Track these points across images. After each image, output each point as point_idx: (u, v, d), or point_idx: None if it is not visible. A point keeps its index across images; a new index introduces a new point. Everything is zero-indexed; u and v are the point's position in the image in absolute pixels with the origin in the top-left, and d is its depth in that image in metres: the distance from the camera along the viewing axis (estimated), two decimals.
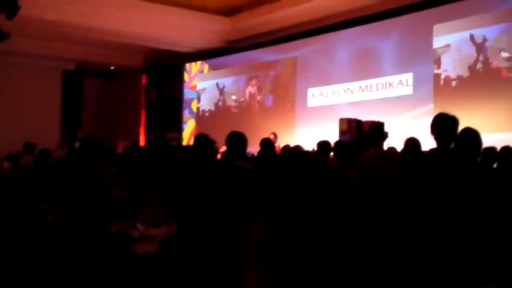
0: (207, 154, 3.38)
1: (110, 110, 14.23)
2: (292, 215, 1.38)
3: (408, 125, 7.60)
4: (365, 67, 8.62)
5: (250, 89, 10.84)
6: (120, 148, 10.95)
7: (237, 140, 3.06)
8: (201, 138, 3.49)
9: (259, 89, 10.69)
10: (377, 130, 4.06)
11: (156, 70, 13.26)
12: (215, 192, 2.14)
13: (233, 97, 11.21)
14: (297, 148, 4.57)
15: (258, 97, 10.70)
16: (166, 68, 12.86)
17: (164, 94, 13.08)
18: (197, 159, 3.31)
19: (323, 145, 5.24)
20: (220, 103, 11.49)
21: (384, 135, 4.10)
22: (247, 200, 2.01)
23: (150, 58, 13.01)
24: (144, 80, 13.85)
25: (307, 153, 1.50)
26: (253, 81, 10.81)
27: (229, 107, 11.30)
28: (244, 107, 10.96)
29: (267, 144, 4.60)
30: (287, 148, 5.69)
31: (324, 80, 9.28)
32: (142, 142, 13.19)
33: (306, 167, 1.43)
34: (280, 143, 8.09)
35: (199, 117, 12.02)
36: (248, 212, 1.91)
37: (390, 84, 8.32)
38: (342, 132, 5.82)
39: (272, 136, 8.11)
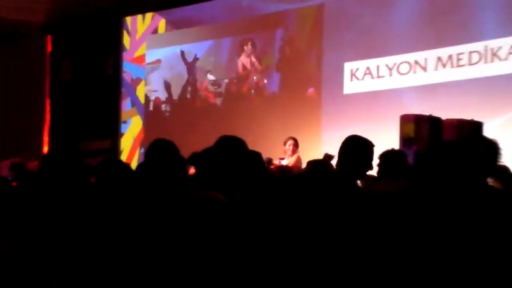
0: (171, 180, 3.44)
1: None
2: None
3: None
4: (446, 24, 8.65)
5: (242, 61, 10.88)
6: (3, 169, 10.85)
7: (229, 149, 3.25)
8: (161, 149, 3.74)
9: (256, 63, 10.73)
10: (472, 137, 4.05)
11: (71, 29, 13.33)
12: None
13: (211, 77, 11.29)
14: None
15: (255, 77, 10.77)
16: (88, 25, 12.92)
17: (86, 71, 13.20)
18: (150, 187, 3.43)
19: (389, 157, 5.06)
20: (189, 88, 11.59)
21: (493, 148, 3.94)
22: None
23: (59, 7, 12.94)
24: (49, 47, 13.90)
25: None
26: (246, 49, 10.84)
27: (204, 95, 11.37)
28: (231, 95, 11.03)
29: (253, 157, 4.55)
30: (317, 167, 5.57)
31: (373, 47, 9.33)
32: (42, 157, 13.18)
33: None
34: (301, 156, 8.14)
35: (150, 112, 12.11)
36: None
37: (494, 54, 8.31)
38: (405, 139, 5.79)
39: (291, 145, 8.29)
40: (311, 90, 10.07)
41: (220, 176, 3.16)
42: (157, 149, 3.88)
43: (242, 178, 3.10)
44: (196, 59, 11.47)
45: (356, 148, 3.69)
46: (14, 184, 6.83)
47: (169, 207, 2.93)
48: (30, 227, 3.85)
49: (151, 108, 12.16)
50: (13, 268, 3.55)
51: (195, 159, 3.48)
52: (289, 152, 8.29)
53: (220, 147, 3.23)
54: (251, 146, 4.90)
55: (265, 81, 10.65)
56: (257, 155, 4.33)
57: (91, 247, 3.27)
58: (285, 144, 8.40)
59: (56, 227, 3.65)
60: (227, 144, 3.23)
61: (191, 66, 11.54)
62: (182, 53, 11.65)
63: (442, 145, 5.52)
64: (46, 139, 13.75)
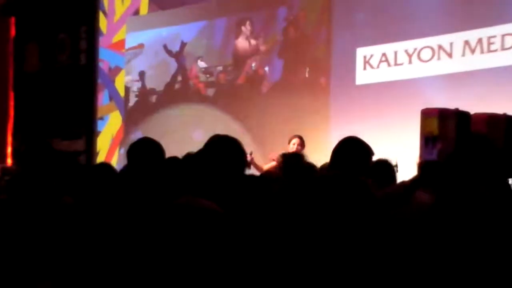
0: (158, 187, 3.62)
1: None
2: None
3: None
4: (475, 2, 8.72)
5: (239, 45, 10.96)
6: None
7: (220, 152, 3.24)
8: (145, 149, 3.82)
9: (255, 47, 10.76)
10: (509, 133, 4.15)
11: (37, 10, 13.32)
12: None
13: (202, 64, 11.35)
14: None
15: (253, 64, 10.82)
16: (57, 5, 12.93)
17: (56, 59, 13.17)
18: (135, 197, 3.62)
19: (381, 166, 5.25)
20: (177, 77, 11.65)
21: None
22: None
23: None
24: (12, 30, 13.90)
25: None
26: (244, 30, 10.91)
27: (194, 85, 11.42)
28: (226, 85, 11.09)
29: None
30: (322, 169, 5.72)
31: (390, 30, 9.37)
32: (8, 158, 13.25)
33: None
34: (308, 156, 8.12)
35: (132, 106, 12.15)
36: None
37: None
38: (427, 137, 5.84)
39: (295, 144, 8.39)
40: (318, 80, 10.10)
41: (210, 182, 3.23)
42: (140, 151, 3.91)
43: (235, 183, 3.19)
44: (183, 44, 11.50)
45: (352, 151, 3.79)
46: None
47: (157, 218, 3.03)
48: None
49: (132, 102, 12.17)
50: None
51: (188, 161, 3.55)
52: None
53: (211, 149, 3.30)
54: (250, 144, 4.99)
55: (266, 68, 10.68)
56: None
57: (72, 259, 3.42)
58: (289, 142, 8.46)
59: (30, 240, 3.78)
60: (218, 146, 3.29)
61: (179, 52, 11.58)
62: (165, 46, 11.68)
63: (472, 143, 5.64)
64: (9, 139, 13.74)
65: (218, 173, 3.23)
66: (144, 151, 3.88)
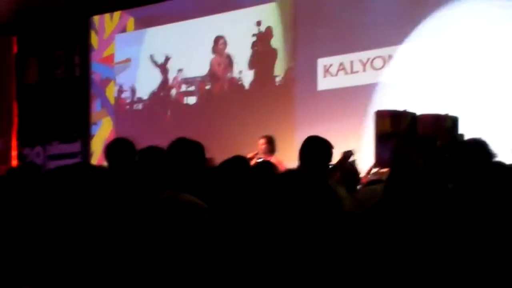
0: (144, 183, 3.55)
1: None
2: None
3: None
4: (421, 18, 8.72)
5: (215, 59, 10.90)
6: None
7: (187, 152, 3.05)
8: (120, 148, 3.88)
9: (228, 61, 10.75)
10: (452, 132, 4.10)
11: (38, 29, 13.25)
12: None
13: (183, 76, 11.31)
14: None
15: (228, 75, 10.78)
16: (55, 25, 12.87)
17: (54, 72, 13.12)
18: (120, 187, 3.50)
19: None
20: (161, 87, 11.59)
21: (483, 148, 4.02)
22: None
23: (26, 5, 12.92)
24: (15, 47, 13.82)
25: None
26: (219, 46, 10.88)
27: (176, 94, 11.40)
28: (204, 93, 11.06)
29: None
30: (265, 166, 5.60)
31: (347, 42, 9.35)
32: (14, 161, 13.13)
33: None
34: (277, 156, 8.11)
35: (121, 113, 12.10)
36: None
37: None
38: (381, 135, 5.80)
39: (262, 144, 8.29)
40: (284, 88, 10.07)
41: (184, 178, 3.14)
42: (116, 149, 3.92)
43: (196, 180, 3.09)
44: (167, 58, 11.43)
45: (316, 148, 3.89)
46: None
47: (144, 211, 2.92)
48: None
49: (121, 109, 12.12)
50: None
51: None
52: (262, 152, 8.23)
53: (174, 151, 3.21)
54: (225, 145, 4.90)
55: (238, 78, 10.63)
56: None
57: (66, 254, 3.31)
58: (260, 141, 8.39)
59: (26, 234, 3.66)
60: (182, 149, 3.21)
61: (162, 66, 11.51)
62: (152, 56, 11.63)
63: (420, 141, 5.63)
64: (14, 143, 13.64)
65: (184, 171, 3.13)
66: (119, 150, 3.93)
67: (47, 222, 3.50)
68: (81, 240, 3.40)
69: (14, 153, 13.48)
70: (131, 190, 3.57)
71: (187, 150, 3.15)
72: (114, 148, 3.90)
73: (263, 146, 8.32)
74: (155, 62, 11.54)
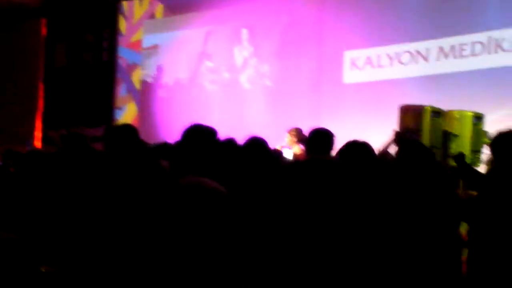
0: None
1: None
2: None
3: None
4: (449, 13, 8.69)
5: (240, 49, 10.93)
6: None
7: (198, 138, 3.16)
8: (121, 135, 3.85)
9: (253, 51, 10.76)
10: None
11: (66, 13, 13.34)
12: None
13: (208, 64, 11.29)
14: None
15: (253, 65, 10.78)
16: (83, 9, 12.94)
17: (81, 56, 13.20)
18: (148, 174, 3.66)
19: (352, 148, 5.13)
20: (186, 75, 11.61)
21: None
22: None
23: None
24: (43, 30, 13.86)
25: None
26: (244, 36, 10.88)
27: (201, 82, 11.41)
28: (228, 83, 11.06)
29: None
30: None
31: (374, 36, 9.34)
32: (37, 143, 13.16)
33: None
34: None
35: (146, 98, 12.10)
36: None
37: (497, 44, 8.34)
38: (405, 130, 5.80)
39: (288, 136, 8.20)
40: (309, 81, 10.03)
41: (195, 168, 3.13)
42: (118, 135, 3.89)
43: (219, 168, 3.11)
44: (194, 46, 11.45)
45: (320, 139, 4.19)
46: (11, 170, 6.93)
47: (167, 196, 2.92)
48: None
49: (146, 95, 12.16)
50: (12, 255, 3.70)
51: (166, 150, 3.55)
52: (288, 144, 8.22)
53: (188, 138, 3.21)
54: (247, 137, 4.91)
55: (263, 69, 10.61)
56: (231, 142, 4.41)
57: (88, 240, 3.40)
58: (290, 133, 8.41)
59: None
60: (195, 135, 3.20)
61: (189, 53, 11.52)
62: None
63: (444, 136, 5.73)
64: (39, 125, 13.74)
65: (196, 160, 3.13)
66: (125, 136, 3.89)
67: (72, 202, 3.57)
68: (104, 225, 3.44)
69: (38, 134, 13.58)
70: (151, 175, 3.61)
71: (200, 135, 3.16)
72: (117, 134, 3.88)
73: (289, 138, 8.33)
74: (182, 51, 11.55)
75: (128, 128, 3.95)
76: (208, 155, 3.06)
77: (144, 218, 3.01)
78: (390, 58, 9.22)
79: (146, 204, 3.09)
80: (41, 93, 13.88)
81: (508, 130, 4.19)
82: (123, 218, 3.36)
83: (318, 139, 4.17)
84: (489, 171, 4.36)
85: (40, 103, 13.87)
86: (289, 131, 8.48)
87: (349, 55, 9.62)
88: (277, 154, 5.17)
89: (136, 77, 12.30)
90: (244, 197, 3.55)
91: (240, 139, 4.58)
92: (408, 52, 9.04)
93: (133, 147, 3.75)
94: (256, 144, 4.50)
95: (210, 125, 3.27)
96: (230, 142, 4.39)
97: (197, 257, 2.68)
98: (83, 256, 3.41)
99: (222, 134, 3.37)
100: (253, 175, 4.00)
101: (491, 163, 4.26)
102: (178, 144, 3.19)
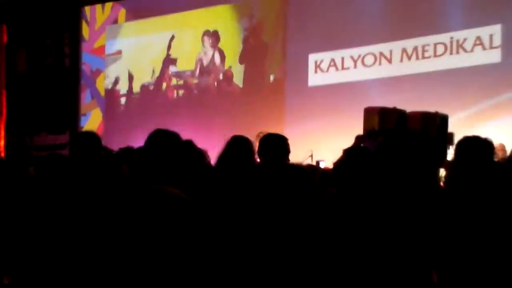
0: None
1: None
2: None
3: (491, 121, 7.75)
4: (411, 15, 8.75)
5: (206, 54, 10.93)
6: None
7: (164, 143, 3.09)
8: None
9: (220, 55, 10.76)
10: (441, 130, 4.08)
11: (26, 18, 13.21)
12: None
13: (173, 69, 11.30)
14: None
15: (218, 69, 10.83)
16: (45, 15, 12.85)
17: (43, 62, 13.12)
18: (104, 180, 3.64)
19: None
20: (151, 80, 11.60)
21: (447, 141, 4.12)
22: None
23: None
24: (4, 37, 13.65)
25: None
26: (210, 40, 10.89)
27: (166, 88, 11.40)
28: (193, 88, 11.07)
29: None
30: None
31: (339, 38, 9.36)
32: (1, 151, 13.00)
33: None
34: None
35: (110, 105, 12.09)
36: None
37: (459, 45, 8.41)
38: (370, 132, 5.79)
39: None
40: (275, 84, 10.08)
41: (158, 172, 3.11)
42: (82, 142, 3.88)
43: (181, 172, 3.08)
44: (157, 51, 11.47)
45: (273, 143, 4.17)
46: None
47: (129, 201, 2.89)
48: None
49: (111, 101, 12.10)
50: None
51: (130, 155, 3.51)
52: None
53: (152, 142, 3.18)
54: (214, 140, 4.87)
55: (229, 73, 10.63)
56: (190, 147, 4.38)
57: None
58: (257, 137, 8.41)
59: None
60: (158, 141, 3.18)
61: (153, 58, 11.52)
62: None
63: (409, 137, 5.66)
64: (2, 133, 13.56)
65: (167, 165, 3.10)
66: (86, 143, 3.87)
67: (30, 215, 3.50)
68: (65, 233, 3.39)
69: (1, 142, 13.37)
70: (112, 183, 3.57)
71: (164, 141, 3.12)
72: (81, 140, 3.87)
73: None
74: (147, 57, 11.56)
75: (90, 135, 3.91)
76: (172, 161, 3.02)
77: (99, 224, 2.98)
78: (354, 60, 9.25)
79: (101, 211, 3.06)
80: (4, 99, 13.70)
81: (474, 136, 4.22)
82: (76, 225, 3.34)
83: (269, 145, 4.18)
84: (449, 174, 4.36)
85: (4, 110, 13.70)
86: (257, 136, 8.47)
87: (313, 58, 9.65)
88: (202, 155, 5.11)
89: (100, 83, 12.23)
90: (202, 203, 3.53)
91: (205, 145, 4.58)
92: (372, 54, 9.09)
93: (94, 154, 3.71)
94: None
95: (174, 130, 3.25)
96: (189, 144, 4.36)
97: (157, 266, 2.65)
98: (40, 266, 3.36)
99: (186, 138, 3.35)
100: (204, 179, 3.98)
101: (452, 165, 4.24)
102: (142, 149, 3.15)
